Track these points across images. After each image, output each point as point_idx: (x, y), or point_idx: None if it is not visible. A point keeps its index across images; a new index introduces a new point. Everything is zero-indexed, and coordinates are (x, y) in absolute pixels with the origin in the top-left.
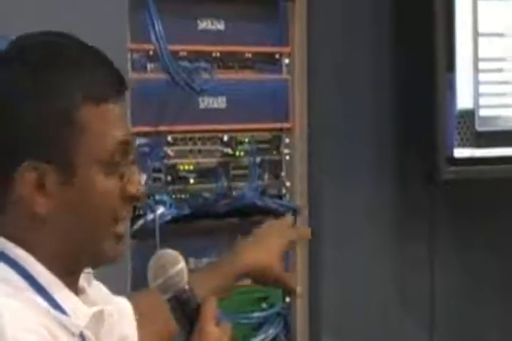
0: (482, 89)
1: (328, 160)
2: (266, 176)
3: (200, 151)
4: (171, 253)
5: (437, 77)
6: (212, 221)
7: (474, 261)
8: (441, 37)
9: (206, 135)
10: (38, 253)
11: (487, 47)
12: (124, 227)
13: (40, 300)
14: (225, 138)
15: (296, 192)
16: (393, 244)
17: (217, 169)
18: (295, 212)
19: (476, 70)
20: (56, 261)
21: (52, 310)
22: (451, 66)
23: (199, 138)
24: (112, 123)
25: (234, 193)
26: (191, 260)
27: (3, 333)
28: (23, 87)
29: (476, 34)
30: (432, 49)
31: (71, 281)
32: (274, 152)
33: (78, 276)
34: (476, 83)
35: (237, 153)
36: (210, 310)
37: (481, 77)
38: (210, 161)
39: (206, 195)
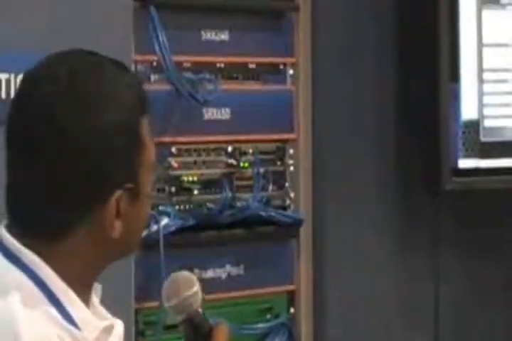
0: (486, 99)
1: (333, 171)
2: (270, 187)
3: (204, 162)
4: (186, 275)
5: (441, 87)
6: (216, 232)
7: (479, 271)
8: (446, 47)
9: (210, 146)
10: (80, 269)
11: (491, 58)
12: None
13: (53, 311)
14: (229, 149)
15: (301, 203)
16: (397, 255)
17: (221, 180)
18: (299, 222)
19: (481, 81)
20: (95, 271)
21: (64, 323)
22: (455, 76)
23: (203, 149)
24: (150, 133)
25: (238, 204)
26: (195, 271)
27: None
28: (89, 108)
29: (480, 45)
30: (436, 60)
31: (86, 290)
32: (279, 163)
33: (93, 284)
34: (481, 94)
35: (242, 164)
36: (223, 333)
37: (486, 87)
38: (214, 172)
39: (210, 205)
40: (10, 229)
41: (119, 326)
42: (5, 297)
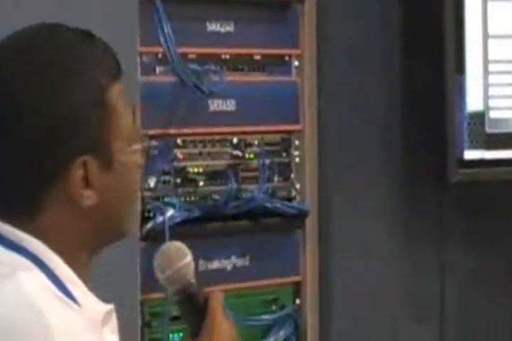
0: (492, 91)
1: (338, 162)
2: (275, 178)
3: (209, 154)
4: (178, 245)
5: (447, 79)
6: (221, 223)
7: (484, 262)
8: (451, 39)
9: (216, 137)
10: (68, 251)
11: (497, 49)
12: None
13: (59, 293)
14: (235, 140)
15: (306, 195)
16: (403, 246)
17: (226, 171)
18: (305, 214)
19: (486, 72)
20: (82, 255)
21: (72, 304)
22: (461, 68)
23: (208, 141)
24: (123, 99)
25: (243, 195)
26: (200, 262)
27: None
28: (48, 82)
29: (485, 36)
30: (441, 51)
31: (85, 270)
32: (284, 154)
33: (89, 265)
34: (486, 85)
35: (247, 156)
36: (218, 302)
37: (491, 79)
38: (220, 163)
39: (215, 197)
40: None
41: (114, 311)
42: (11, 277)
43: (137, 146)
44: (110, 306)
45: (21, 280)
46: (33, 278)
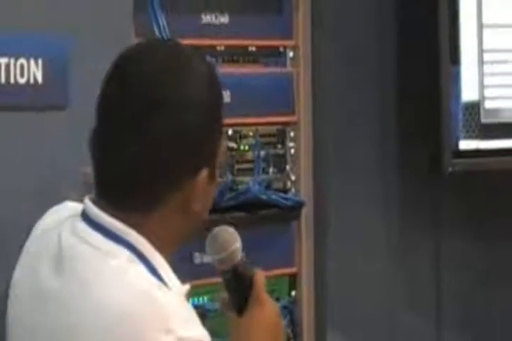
0: (487, 80)
1: (333, 153)
2: (271, 170)
3: None
4: (230, 230)
5: (442, 69)
6: (216, 215)
7: (480, 252)
8: (446, 29)
9: None
10: (168, 240)
11: (492, 39)
12: None
13: (152, 278)
14: (230, 132)
15: (301, 186)
16: (398, 237)
17: (221, 163)
18: (300, 205)
19: (481, 62)
20: (171, 244)
21: (163, 287)
22: (455, 58)
23: None
24: None
25: (239, 187)
26: (196, 255)
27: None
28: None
29: (480, 25)
30: (436, 41)
31: (169, 259)
32: (279, 146)
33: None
34: (481, 75)
35: (242, 147)
36: (262, 280)
37: (486, 68)
38: None
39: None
40: (97, 203)
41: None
42: (115, 259)
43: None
44: (187, 286)
45: (130, 272)
46: (137, 268)
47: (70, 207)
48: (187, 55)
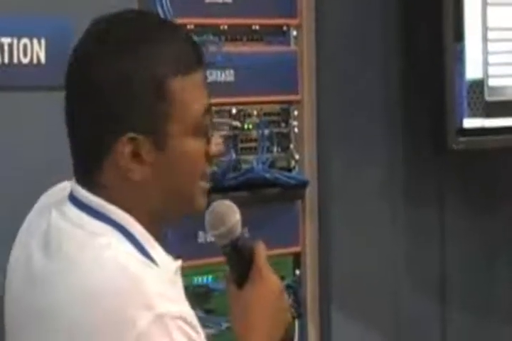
0: (491, 58)
1: (337, 131)
2: (275, 149)
3: None
4: (228, 203)
5: (446, 47)
6: (220, 195)
7: (485, 230)
8: (450, 7)
9: (214, 108)
10: (134, 211)
11: (496, 17)
12: (208, 183)
13: (138, 255)
14: (234, 111)
15: (305, 165)
16: (403, 215)
17: (225, 142)
18: (304, 184)
19: (485, 40)
20: (150, 218)
21: (150, 263)
22: (459, 36)
23: None
24: (197, 91)
25: (242, 166)
26: (200, 234)
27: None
28: (120, 64)
29: (484, 3)
30: (440, 19)
31: (158, 235)
32: (283, 124)
33: (162, 232)
34: (485, 53)
35: (246, 126)
36: (263, 253)
37: (490, 46)
38: (218, 134)
39: (214, 168)
40: (79, 182)
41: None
42: (100, 238)
43: (200, 144)
44: (179, 262)
45: (115, 250)
46: (123, 246)
47: (67, 188)
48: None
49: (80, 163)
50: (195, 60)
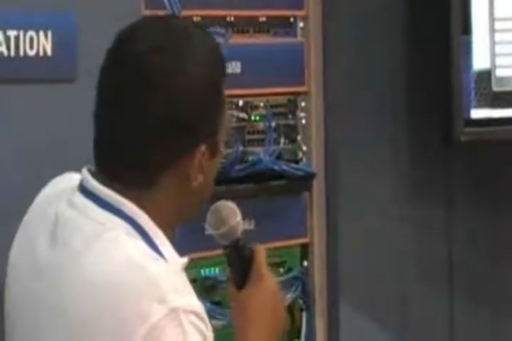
0: (498, 49)
1: (344, 123)
2: (282, 140)
3: None
4: (230, 205)
5: (453, 39)
6: (227, 186)
7: (492, 222)
8: None
9: None
10: (160, 213)
11: (503, 7)
12: None
13: (148, 249)
14: (240, 102)
15: (313, 156)
16: (410, 207)
17: (232, 134)
18: (312, 176)
19: (493, 30)
20: (167, 220)
21: (157, 255)
22: (467, 26)
23: None
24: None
25: (250, 158)
26: (207, 226)
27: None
28: (183, 70)
29: None
30: (447, 9)
31: (171, 233)
32: (290, 116)
33: (176, 227)
34: (492, 43)
35: (253, 118)
36: (263, 256)
37: (497, 37)
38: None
39: (221, 160)
40: (95, 175)
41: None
42: (110, 231)
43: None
44: (185, 259)
45: (124, 243)
46: (132, 240)
47: (72, 178)
48: (185, 31)
49: (123, 162)
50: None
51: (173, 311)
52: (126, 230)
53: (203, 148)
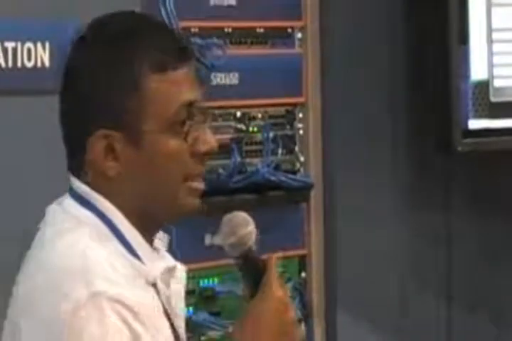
0: (496, 59)
1: (342, 134)
2: (280, 151)
3: (212, 127)
4: (243, 215)
5: (451, 48)
6: (225, 197)
7: (490, 231)
8: (455, 8)
9: (219, 111)
10: (119, 209)
11: (501, 18)
12: (200, 183)
13: (122, 248)
14: (238, 114)
15: (311, 167)
16: (409, 216)
17: (230, 145)
18: (309, 186)
19: (490, 41)
20: (132, 218)
21: (128, 255)
22: (464, 37)
23: (212, 115)
24: (176, 88)
25: (247, 169)
26: (206, 236)
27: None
28: (96, 60)
29: (489, 4)
30: (445, 20)
31: (147, 237)
32: (288, 127)
33: (154, 233)
34: (490, 53)
35: (251, 129)
36: (274, 267)
37: (495, 47)
38: (223, 137)
39: (220, 171)
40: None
41: (181, 271)
42: (75, 230)
43: (181, 141)
44: (172, 263)
45: (81, 235)
46: (92, 233)
47: None
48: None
49: (68, 159)
50: (177, 57)
51: (96, 295)
52: (99, 227)
53: (99, 133)
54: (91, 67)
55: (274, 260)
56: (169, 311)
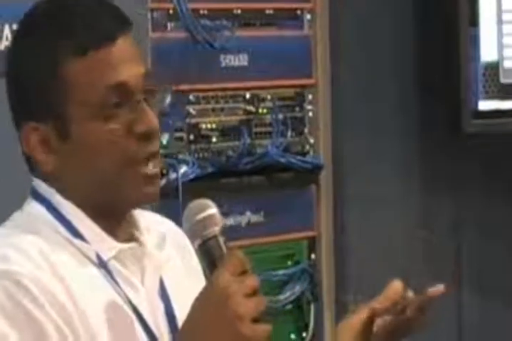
0: (506, 40)
1: (352, 115)
2: (289, 133)
3: (222, 109)
4: (200, 201)
5: (461, 29)
6: (235, 179)
7: (499, 215)
8: None
9: (228, 93)
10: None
11: None
12: (151, 166)
13: (62, 229)
14: (248, 95)
15: (320, 149)
16: (418, 199)
17: (239, 127)
18: (319, 168)
19: (500, 22)
20: (85, 207)
21: (68, 235)
22: (474, 18)
23: (221, 97)
24: (100, 70)
25: (257, 151)
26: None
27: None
28: (21, 48)
29: None
30: (455, 1)
31: (110, 226)
32: (297, 109)
33: (118, 219)
34: (500, 35)
35: (260, 111)
36: (232, 259)
37: (505, 28)
38: (233, 119)
39: (229, 153)
40: None
41: (158, 260)
42: (9, 228)
43: (114, 125)
44: (131, 245)
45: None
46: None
47: None
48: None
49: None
50: (101, 36)
51: None
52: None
53: (29, 126)
54: (17, 55)
55: (235, 251)
56: (126, 289)
